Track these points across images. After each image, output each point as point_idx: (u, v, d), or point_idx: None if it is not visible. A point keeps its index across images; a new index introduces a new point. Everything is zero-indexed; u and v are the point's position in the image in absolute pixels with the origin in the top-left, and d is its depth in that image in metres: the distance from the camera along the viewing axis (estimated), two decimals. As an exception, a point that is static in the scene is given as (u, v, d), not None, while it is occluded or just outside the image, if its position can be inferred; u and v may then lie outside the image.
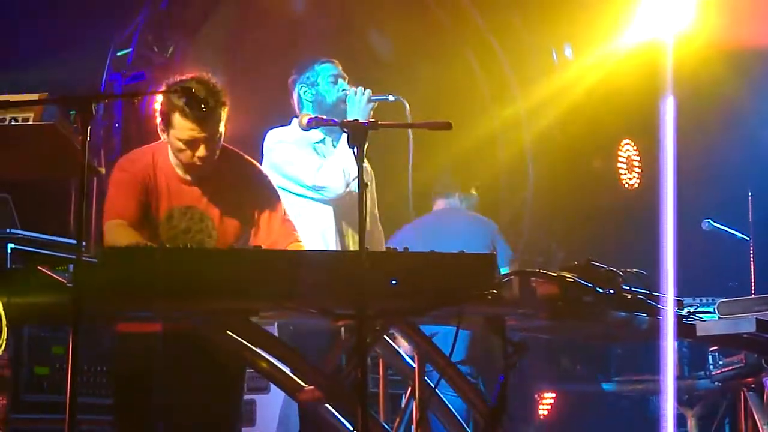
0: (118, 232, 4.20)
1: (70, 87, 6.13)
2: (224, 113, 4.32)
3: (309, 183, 5.27)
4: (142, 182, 4.36)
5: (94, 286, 3.46)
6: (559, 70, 9.23)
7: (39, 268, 3.61)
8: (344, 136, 5.19)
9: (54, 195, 6.42)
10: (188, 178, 4.41)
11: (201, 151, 4.29)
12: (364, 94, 5.36)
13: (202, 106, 4.18)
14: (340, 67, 5.52)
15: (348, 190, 5.29)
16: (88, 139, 3.46)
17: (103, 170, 4.23)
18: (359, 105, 5.32)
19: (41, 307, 3.71)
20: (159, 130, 4.35)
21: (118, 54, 7.44)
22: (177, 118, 4.26)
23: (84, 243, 3.59)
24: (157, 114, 4.37)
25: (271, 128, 5.45)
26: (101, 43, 7.42)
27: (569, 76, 9.08)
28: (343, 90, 5.43)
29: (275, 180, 5.19)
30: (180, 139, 4.28)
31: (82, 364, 5.41)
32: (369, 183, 5.45)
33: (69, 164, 3.78)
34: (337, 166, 5.27)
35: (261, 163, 5.31)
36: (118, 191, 4.37)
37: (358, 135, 3.77)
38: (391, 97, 5.35)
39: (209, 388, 4.30)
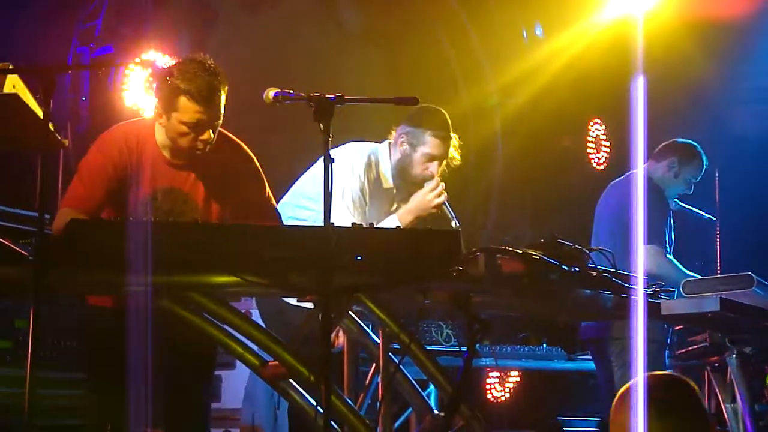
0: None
1: (36, 59, 6.08)
2: (224, 94, 4.31)
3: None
4: (117, 165, 4.31)
5: (56, 259, 3.44)
6: (530, 49, 9.21)
7: (1, 240, 3.57)
8: (393, 218, 5.22)
9: (22, 167, 6.37)
10: (175, 161, 4.38)
11: (206, 135, 4.29)
12: (439, 197, 5.21)
13: (205, 91, 4.18)
14: (450, 144, 5.34)
15: None
16: (51, 110, 3.44)
17: (66, 142, 4.18)
18: (423, 200, 5.20)
19: (2, 280, 3.67)
20: (156, 113, 4.32)
21: (86, 26, 7.36)
22: (183, 101, 4.24)
23: (47, 216, 3.57)
24: (155, 96, 4.33)
25: (357, 140, 5.33)
26: (69, 15, 7.35)
27: (539, 55, 9.07)
28: (429, 171, 5.28)
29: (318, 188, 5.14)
30: (184, 123, 4.26)
31: (47, 338, 5.40)
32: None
33: (32, 136, 3.74)
34: None
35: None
36: (86, 178, 4.32)
37: (324, 110, 3.74)
38: (454, 223, 5.14)
39: (180, 362, 4.26)
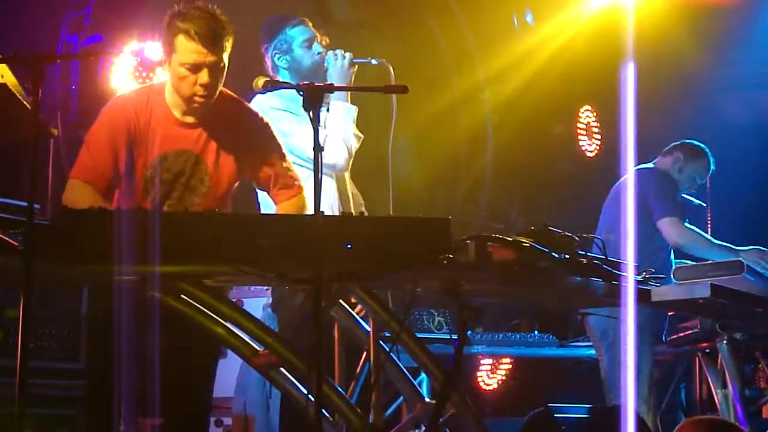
0: (80, 194, 4.21)
1: (26, 48, 6.07)
2: (229, 44, 4.28)
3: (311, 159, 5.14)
4: (124, 131, 4.32)
5: (46, 248, 3.43)
6: (520, 36, 9.20)
7: (-9, 230, 3.57)
8: (335, 102, 5.25)
9: (11, 157, 6.36)
10: (186, 120, 4.37)
11: (204, 77, 4.24)
12: (345, 57, 5.27)
13: (203, 31, 4.18)
14: (311, 26, 5.39)
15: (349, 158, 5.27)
16: (41, 99, 3.43)
17: (56, 132, 4.16)
18: (341, 69, 5.24)
19: (-7, 271, 3.68)
20: (159, 64, 4.31)
21: (76, 15, 7.34)
22: (181, 40, 4.23)
23: (38, 205, 3.56)
24: (160, 43, 4.36)
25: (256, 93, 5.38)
26: (58, 4, 7.33)
27: (530, 42, 9.06)
28: (318, 53, 5.32)
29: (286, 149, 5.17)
30: (183, 64, 4.24)
31: (37, 328, 5.39)
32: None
33: (21, 126, 3.73)
34: (339, 141, 5.20)
35: None
36: (92, 148, 4.34)
37: (313, 98, 3.73)
38: (373, 61, 5.27)
39: (185, 349, 4.23)
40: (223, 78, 4.32)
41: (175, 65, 4.26)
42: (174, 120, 4.37)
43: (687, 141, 6.86)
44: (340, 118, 5.24)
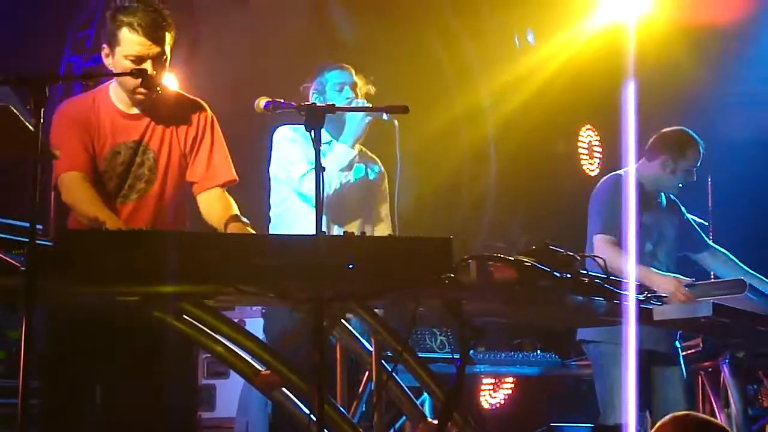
0: (77, 187, 4.29)
1: (28, 69, 6.07)
2: (170, 37, 4.36)
3: (297, 189, 5.43)
4: (84, 123, 4.40)
5: (47, 269, 3.44)
6: (521, 55, 9.23)
7: (-7, 251, 3.57)
8: (339, 144, 5.49)
9: (13, 177, 6.37)
10: (131, 112, 4.45)
11: (147, 69, 4.30)
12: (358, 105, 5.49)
13: (145, 23, 4.25)
14: (352, 73, 5.63)
15: (333, 194, 5.44)
16: (42, 121, 3.45)
17: (58, 153, 4.17)
18: (356, 118, 5.46)
19: (-5, 292, 3.67)
20: (104, 56, 4.38)
21: (78, 36, 7.37)
22: (125, 33, 4.30)
23: (41, 227, 3.57)
24: (102, 38, 4.40)
25: (282, 124, 5.56)
26: (61, 25, 7.36)
27: (531, 61, 9.08)
28: (347, 98, 5.54)
29: (284, 175, 5.45)
30: (127, 56, 4.31)
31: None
32: (381, 178, 5.72)
33: (23, 147, 3.73)
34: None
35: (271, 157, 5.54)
36: (64, 138, 4.38)
37: (314, 119, 3.76)
38: (384, 116, 5.43)
39: (162, 371, 4.25)
40: (166, 70, 4.42)
41: (119, 58, 4.33)
42: (120, 113, 4.46)
43: (667, 133, 6.38)
44: (335, 158, 5.46)
